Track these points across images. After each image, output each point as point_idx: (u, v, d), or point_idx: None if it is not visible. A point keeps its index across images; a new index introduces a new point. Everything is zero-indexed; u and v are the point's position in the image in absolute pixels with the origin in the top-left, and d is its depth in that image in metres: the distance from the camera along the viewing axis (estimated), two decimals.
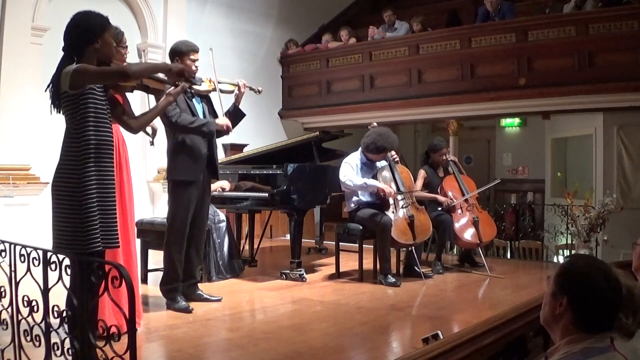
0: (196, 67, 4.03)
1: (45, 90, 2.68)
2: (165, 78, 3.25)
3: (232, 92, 4.32)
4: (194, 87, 4.00)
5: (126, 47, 3.56)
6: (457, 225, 5.54)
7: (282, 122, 10.13)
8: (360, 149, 5.27)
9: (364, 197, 5.15)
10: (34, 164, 6.35)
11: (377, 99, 9.05)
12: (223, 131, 4.17)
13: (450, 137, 8.77)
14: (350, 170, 5.11)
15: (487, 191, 8.07)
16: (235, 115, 4.34)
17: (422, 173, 5.81)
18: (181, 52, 3.99)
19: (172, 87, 3.31)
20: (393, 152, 5.34)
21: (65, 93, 2.58)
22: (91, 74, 2.58)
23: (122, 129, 3.18)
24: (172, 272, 3.98)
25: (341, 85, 9.54)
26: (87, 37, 2.65)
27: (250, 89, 4.44)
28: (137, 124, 3.02)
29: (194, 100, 4.10)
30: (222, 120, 4.14)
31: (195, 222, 4.07)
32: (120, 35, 3.44)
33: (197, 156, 4.00)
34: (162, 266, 4.08)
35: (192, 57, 3.99)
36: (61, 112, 2.66)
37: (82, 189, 2.53)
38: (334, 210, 6.68)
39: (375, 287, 4.87)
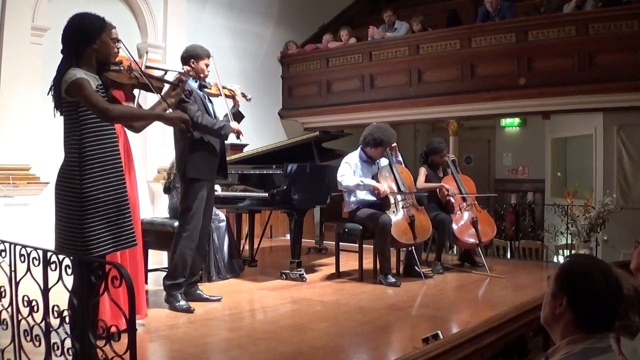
0: (208, 71, 4.16)
1: (48, 94, 2.69)
2: (166, 78, 3.26)
3: (232, 97, 4.43)
4: (205, 89, 4.19)
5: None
6: (455, 225, 5.54)
7: (282, 122, 10.12)
8: (359, 148, 5.27)
9: (364, 197, 5.15)
10: (34, 164, 6.35)
11: (377, 99, 9.05)
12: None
13: (450, 137, 8.77)
14: (348, 170, 5.12)
15: (487, 191, 8.08)
16: (236, 117, 4.41)
17: (423, 170, 5.80)
18: (198, 56, 4.08)
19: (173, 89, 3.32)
20: (399, 156, 5.37)
21: (64, 99, 2.60)
22: (81, 95, 2.55)
23: None
24: (180, 267, 3.98)
25: (341, 85, 9.54)
26: (85, 38, 2.65)
27: (243, 95, 4.52)
28: (139, 124, 2.99)
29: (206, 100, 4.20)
30: (235, 125, 4.25)
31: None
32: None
33: (214, 155, 4.12)
34: (163, 265, 4.09)
35: (206, 61, 4.13)
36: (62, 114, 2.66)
37: (84, 194, 2.53)
38: (334, 210, 6.68)
39: (375, 287, 4.87)
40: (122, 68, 3.01)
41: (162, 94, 3.07)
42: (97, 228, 2.54)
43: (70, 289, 2.37)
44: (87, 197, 2.53)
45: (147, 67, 3.61)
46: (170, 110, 3.05)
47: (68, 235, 2.54)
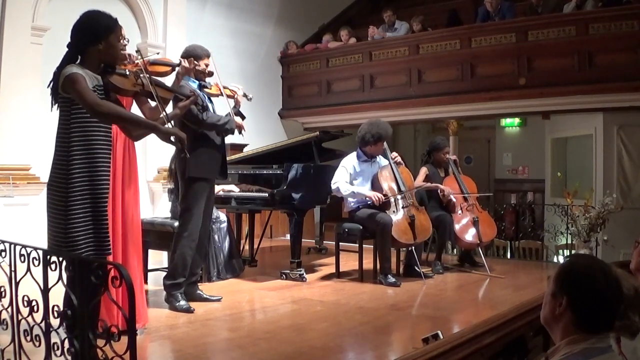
0: (209, 71, 4.16)
1: (48, 86, 2.66)
2: (175, 88, 3.25)
3: (233, 97, 4.46)
4: (205, 89, 4.19)
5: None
6: (457, 225, 5.54)
7: (282, 122, 10.13)
8: (356, 149, 5.27)
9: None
10: (34, 164, 6.35)
11: (377, 99, 9.05)
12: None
13: (450, 136, 8.77)
14: (343, 175, 5.09)
15: (487, 191, 8.10)
16: (237, 117, 4.40)
17: (424, 169, 5.80)
18: (198, 56, 4.07)
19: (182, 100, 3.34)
20: (395, 154, 5.36)
21: (61, 94, 2.58)
22: (74, 89, 2.50)
23: None
24: (180, 266, 3.98)
25: (341, 85, 9.55)
26: (91, 37, 2.62)
27: (244, 95, 4.53)
28: (137, 132, 2.91)
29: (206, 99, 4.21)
30: (238, 120, 4.28)
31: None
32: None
33: (216, 155, 4.13)
34: (163, 265, 4.08)
35: (206, 61, 4.13)
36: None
37: (69, 195, 2.52)
38: (334, 210, 6.68)
39: (375, 287, 4.87)
40: (128, 73, 2.93)
41: (167, 105, 3.03)
42: (81, 229, 2.53)
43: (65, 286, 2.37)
44: (73, 198, 2.52)
45: (153, 62, 3.58)
46: (169, 124, 2.93)
47: (55, 235, 2.54)
